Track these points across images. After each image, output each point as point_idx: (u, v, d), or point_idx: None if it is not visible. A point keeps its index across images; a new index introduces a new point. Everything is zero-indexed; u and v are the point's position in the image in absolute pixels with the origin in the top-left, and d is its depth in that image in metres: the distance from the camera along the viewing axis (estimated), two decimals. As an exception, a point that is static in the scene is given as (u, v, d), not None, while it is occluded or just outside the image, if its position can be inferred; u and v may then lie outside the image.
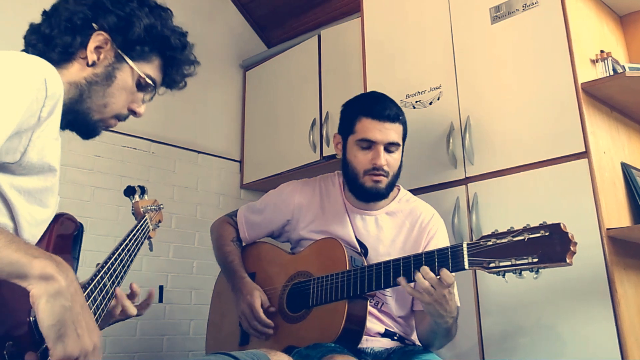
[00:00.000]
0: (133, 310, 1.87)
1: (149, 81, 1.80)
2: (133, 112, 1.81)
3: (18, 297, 1.25)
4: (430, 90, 3.30)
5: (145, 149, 4.25)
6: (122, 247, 1.89)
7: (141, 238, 2.18)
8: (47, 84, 1.40)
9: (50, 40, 1.68)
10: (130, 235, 2.04)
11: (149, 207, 2.46)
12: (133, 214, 2.46)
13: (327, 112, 4.18)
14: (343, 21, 4.40)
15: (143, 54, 1.78)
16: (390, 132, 2.43)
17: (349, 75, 4.11)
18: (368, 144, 2.44)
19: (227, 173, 4.82)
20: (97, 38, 1.70)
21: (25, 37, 1.75)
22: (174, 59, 1.86)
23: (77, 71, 1.69)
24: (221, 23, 5.06)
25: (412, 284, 2.09)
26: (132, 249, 2.00)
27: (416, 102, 3.33)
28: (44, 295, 1.15)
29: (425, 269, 2.03)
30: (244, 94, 5.10)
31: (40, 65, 1.44)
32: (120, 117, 1.79)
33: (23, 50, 1.73)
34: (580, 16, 2.93)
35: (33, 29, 1.73)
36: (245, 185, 4.86)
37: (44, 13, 1.74)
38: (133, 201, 2.48)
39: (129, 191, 2.50)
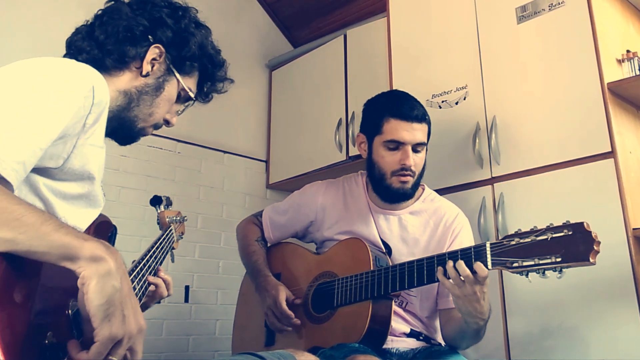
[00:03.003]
0: (164, 291, 1.94)
1: (192, 95, 1.87)
2: (167, 122, 1.86)
3: (57, 290, 1.28)
4: (456, 90, 3.29)
5: (171, 149, 4.27)
6: (149, 254, 1.90)
7: (167, 248, 2.20)
8: (95, 92, 1.43)
9: (103, 47, 1.71)
10: (157, 245, 2.06)
11: (174, 218, 2.47)
12: (158, 223, 2.47)
13: (353, 112, 4.18)
14: (369, 21, 4.39)
15: (191, 68, 1.85)
16: (418, 132, 2.42)
17: (375, 75, 4.11)
18: (396, 145, 2.42)
19: (253, 173, 4.83)
20: (155, 51, 1.75)
21: (73, 42, 1.77)
22: (213, 75, 1.94)
23: (128, 80, 1.73)
24: (247, 23, 5.07)
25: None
26: (159, 257, 2.01)
27: (442, 102, 3.33)
28: (95, 275, 1.17)
29: (461, 263, 2.01)
30: (270, 94, 5.12)
31: (89, 72, 1.47)
32: (157, 126, 1.84)
33: (69, 55, 1.75)
34: (606, 16, 2.92)
35: (85, 35, 1.75)
36: (271, 185, 4.88)
37: (97, 17, 1.77)
38: (159, 211, 2.49)
39: (155, 201, 2.51)
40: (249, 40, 5.07)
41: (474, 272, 1.99)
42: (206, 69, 1.90)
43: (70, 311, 1.24)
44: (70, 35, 1.79)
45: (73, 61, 1.51)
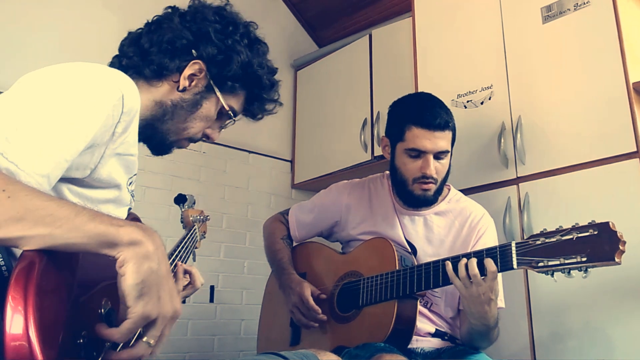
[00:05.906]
0: (199, 282, 1.93)
1: (232, 114, 1.82)
2: (207, 137, 1.83)
3: (91, 288, 1.28)
4: (481, 90, 3.29)
5: (196, 149, 4.27)
6: (174, 256, 1.90)
7: (191, 247, 2.19)
8: (125, 100, 1.41)
9: (146, 56, 1.70)
10: (182, 245, 2.05)
11: (197, 217, 2.47)
12: (182, 222, 2.47)
13: (378, 112, 4.18)
14: (394, 21, 4.39)
15: (233, 88, 1.79)
16: (440, 140, 2.39)
17: (400, 75, 4.10)
18: (417, 153, 2.41)
19: (278, 173, 4.84)
20: (194, 67, 1.71)
21: (122, 46, 1.77)
22: (260, 97, 1.88)
23: (165, 92, 1.71)
24: (272, 23, 5.06)
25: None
26: (183, 258, 2.01)
27: (467, 102, 3.32)
28: (133, 257, 1.17)
29: (472, 261, 2.04)
30: (295, 94, 5.12)
31: (118, 79, 1.44)
32: (193, 140, 1.81)
33: (116, 58, 1.77)
34: (631, 15, 2.90)
35: (132, 40, 1.75)
36: (297, 185, 4.88)
37: (147, 25, 1.76)
38: (183, 210, 2.49)
39: (180, 199, 2.51)
40: (274, 40, 5.03)
41: (484, 271, 2.01)
42: (252, 89, 1.84)
43: (102, 310, 1.24)
44: (125, 37, 1.80)
45: (103, 67, 1.49)
